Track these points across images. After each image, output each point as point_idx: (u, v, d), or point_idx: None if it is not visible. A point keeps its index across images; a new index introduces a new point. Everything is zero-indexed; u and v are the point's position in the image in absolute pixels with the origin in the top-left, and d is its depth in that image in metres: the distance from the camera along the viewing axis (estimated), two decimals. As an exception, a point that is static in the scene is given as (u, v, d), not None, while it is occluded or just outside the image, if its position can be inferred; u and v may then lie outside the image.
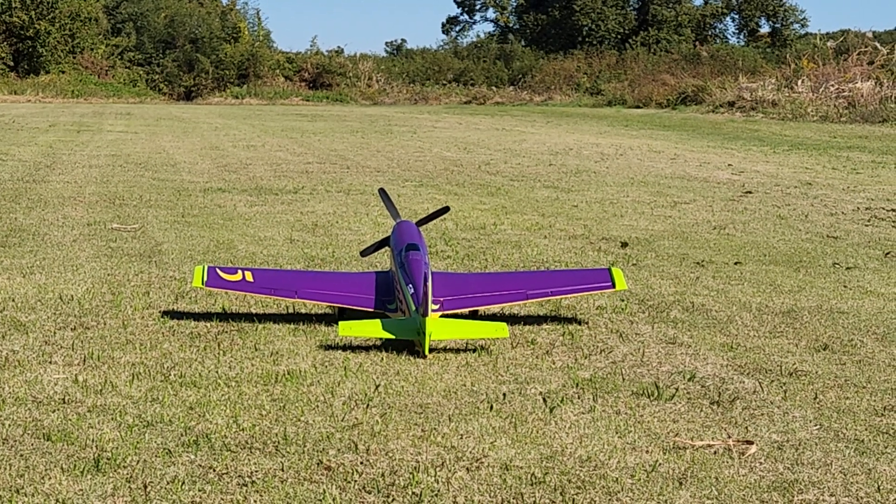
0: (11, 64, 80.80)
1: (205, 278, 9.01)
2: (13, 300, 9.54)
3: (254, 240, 13.16)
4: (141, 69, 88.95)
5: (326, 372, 7.65)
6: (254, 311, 9.36)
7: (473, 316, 9.21)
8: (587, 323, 9.24)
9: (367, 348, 8.26)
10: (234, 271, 9.24)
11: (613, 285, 9.29)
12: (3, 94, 74.99)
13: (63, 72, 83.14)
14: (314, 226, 14.45)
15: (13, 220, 14.26)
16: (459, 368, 7.83)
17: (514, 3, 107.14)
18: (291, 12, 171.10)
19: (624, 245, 13.28)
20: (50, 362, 7.74)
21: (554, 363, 8.03)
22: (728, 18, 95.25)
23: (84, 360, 7.79)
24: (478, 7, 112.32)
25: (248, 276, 9.19)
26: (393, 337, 8.24)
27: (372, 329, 8.30)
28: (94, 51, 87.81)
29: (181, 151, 26.45)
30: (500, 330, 8.25)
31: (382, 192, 11.25)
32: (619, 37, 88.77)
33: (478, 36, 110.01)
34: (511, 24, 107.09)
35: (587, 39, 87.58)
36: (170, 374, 7.49)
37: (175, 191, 18.04)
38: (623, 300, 10.08)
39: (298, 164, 23.65)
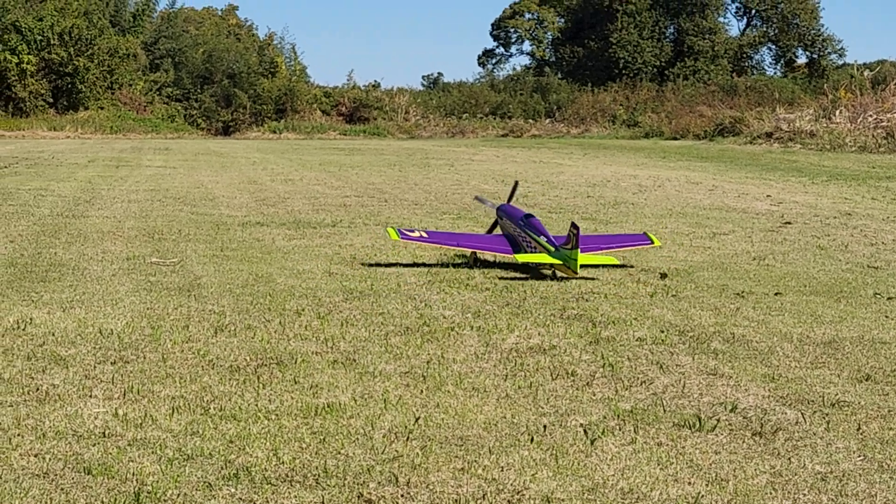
0: (51, 100, 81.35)
1: (397, 236, 14.06)
2: (53, 334, 9.57)
3: (292, 273, 13.17)
4: (179, 104, 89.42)
5: (366, 404, 7.64)
6: (292, 344, 9.36)
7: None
8: (627, 354, 9.19)
9: (406, 384, 8.24)
10: (413, 230, 14.82)
11: (652, 242, 14.75)
12: (43, 130, 75.53)
13: (102, 108, 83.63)
14: (352, 259, 14.46)
15: (53, 254, 14.32)
16: (499, 400, 7.80)
17: (551, 37, 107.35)
18: (328, 47, 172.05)
19: (663, 276, 13.22)
20: (90, 396, 7.75)
21: (594, 395, 7.99)
22: (765, 49, 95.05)
23: (124, 394, 7.80)
24: (514, 40, 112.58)
25: (423, 234, 14.63)
26: (556, 262, 13.07)
27: (541, 258, 13.26)
28: (133, 87, 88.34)
29: (220, 186, 26.55)
30: (612, 259, 13.81)
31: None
32: (655, 69, 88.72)
33: (514, 69, 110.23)
34: (547, 57, 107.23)
35: (624, 72, 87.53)
36: (209, 408, 7.49)
37: (214, 225, 18.09)
38: (663, 331, 10.04)
39: (336, 197, 23.69)
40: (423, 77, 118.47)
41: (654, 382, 8.34)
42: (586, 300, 11.67)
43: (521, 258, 13.48)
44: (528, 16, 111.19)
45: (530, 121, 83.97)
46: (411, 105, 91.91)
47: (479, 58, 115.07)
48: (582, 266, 12.90)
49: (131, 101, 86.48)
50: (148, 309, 10.78)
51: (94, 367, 8.54)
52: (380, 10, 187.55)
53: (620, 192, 25.81)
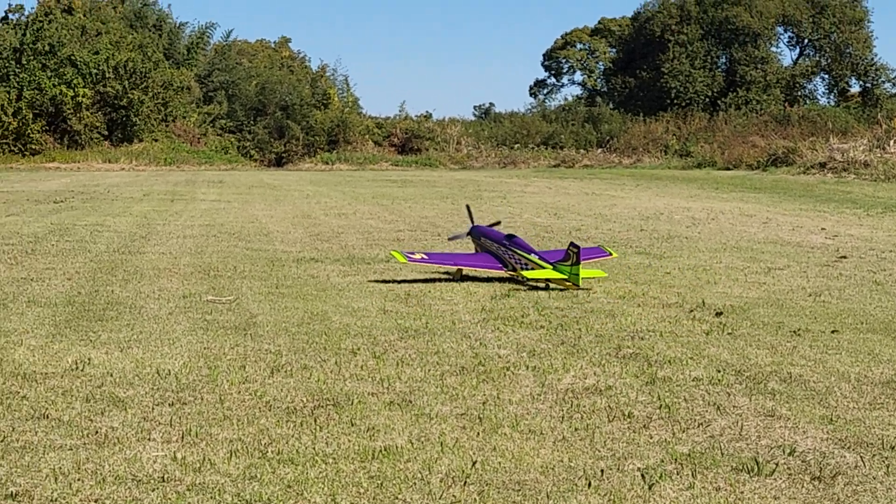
0: (106, 133, 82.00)
1: (404, 259, 15.95)
2: (111, 375, 9.63)
3: (347, 311, 13.20)
4: (232, 136, 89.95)
5: (423, 447, 7.64)
6: (348, 384, 9.38)
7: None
8: (684, 395, 9.16)
9: (463, 426, 8.24)
10: (414, 253, 16.98)
11: (610, 254, 17.24)
12: (98, 163, 76.11)
13: (156, 140, 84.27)
14: (407, 296, 14.48)
15: (110, 292, 14.42)
16: (556, 443, 7.79)
17: (602, 66, 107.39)
18: (380, 78, 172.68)
19: (719, 314, 13.17)
20: (149, 439, 7.80)
21: (651, 437, 7.97)
22: (817, 78, 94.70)
23: (182, 437, 7.84)
24: (565, 70, 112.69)
25: (424, 256, 16.53)
26: (560, 276, 15.02)
27: (546, 274, 15.26)
28: (187, 119, 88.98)
29: (273, 220, 26.68)
30: (602, 273, 15.90)
31: (468, 206, 19.39)
32: (707, 98, 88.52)
33: (565, 99, 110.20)
34: (599, 87, 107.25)
35: (675, 101, 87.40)
36: (267, 451, 7.52)
37: (268, 261, 18.17)
38: (719, 371, 10.00)
39: (390, 232, 23.76)
40: (474, 107, 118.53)
41: (712, 424, 8.31)
42: (641, 338, 11.63)
43: (529, 274, 15.47)
44: (579, 46, 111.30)
45: (582, 151, 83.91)
46: (463, 135, 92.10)
47: (531, 88, 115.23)
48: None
49: (185, 133, 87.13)
50: (205, 348, 10.84)
51: (153, 408, 8.59)
52: (432, 40, 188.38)
53: (674, 226, 25.75)
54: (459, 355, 10.69)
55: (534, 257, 15.62)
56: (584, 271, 15.20)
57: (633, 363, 10.36)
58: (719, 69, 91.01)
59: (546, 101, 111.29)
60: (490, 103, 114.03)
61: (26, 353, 10.46)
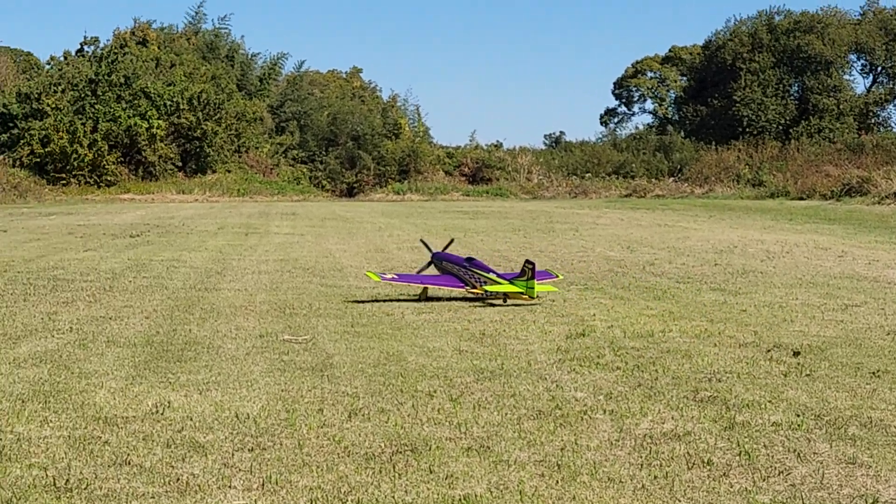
0: (180, 164, 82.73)
1: (378, 278, 18.40)
2: (191, 419, 9.70)
3: (423, 351, 13.22)
4: (304, 167, 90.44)
5: (502, 496, 7.65)
6: (426, 429, 9.39)
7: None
8: (763, 441, 9.10)
9: (541, 473, 8.23)
10: (386, 273, 19.71)
11: (556, 276, 19.52)
12: (172, 194, 76.81)
13: (229, 171, 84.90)
14: (482, 335, 14.48)
15: (188, 331, 14.53)
16: (636, 492, 7.76)
17: (673, 95, 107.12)
18: (451, 107, 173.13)
19: (796, 354, 13.07)
20: (230, 486, 7.85)
21: (731, 486, 7.92)
22: (891, 106, 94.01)
23: (262, 485, 7.88)
24: (636, 99, 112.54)
25: (395, 276, 18.96)
26: (516, 290, 17.38)
27: (504, 288, 17.58)
28: (259, 150, 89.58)
29: (347, 255, 26.79)
30: (553, 288, 18.52)
31: (423, 240, 21.78)
32: (779, 127, 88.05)
33: (636, 128, 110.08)
34: (670, 116, 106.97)
35: (747, 130, 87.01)
36: (347, 500, 7.55)
37: (343, 298, 18.24)
38: (798, 415, 9.93)
39: (462, 266, 23.76)
40: (544, 136, 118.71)
41: (792, 472, 8.25)
42: (719, 380, 11.56)
43: (490, 288, 17.84)
44: (650, 74, 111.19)
45: (653, 180, 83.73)
46: (533, 165, 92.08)
47: (601, 116, 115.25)
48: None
49: (258, 163, 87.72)
50: (282, 391, 10.89)
51: (233, 454, 8.64)
52: (502, 70, 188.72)
53: (748, 259, 25.61)
54: (536, 398, 10.68)
55: (492, 276, 18.01)
56: (539, 286, 17.71)
57: (711, 407, 10.30)
58: (791, 97, 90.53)
59: (617, 129, 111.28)
60: (560, 132, 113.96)
61: (107, 397, 10.56)
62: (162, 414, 9.90)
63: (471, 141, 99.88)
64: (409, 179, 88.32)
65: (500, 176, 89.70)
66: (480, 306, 17.29)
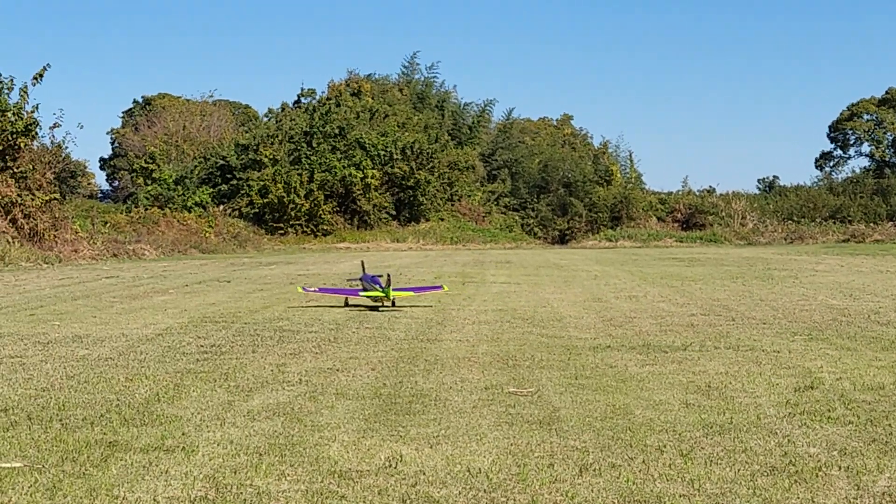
0: (394, 213, 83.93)
1: (302, 290, 29.13)
2: (424, 473, 9.80)
3: (649, 404, 13.14)
4: (516, 214, 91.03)
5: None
6: (658, 485, 9.33)
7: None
8: None
9: None
10: (312, 287, 30.46)
11: (442, 288, 29.74)
12: (386, 242, 77.94)
13: (442, 219, 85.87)
14: (708, 387, 14.34)
15: (414, 384, 14.69)
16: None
17: (891, 137, 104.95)
18: (662, 152, 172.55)
19: None
20: (468, 542, 7.91)
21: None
22: None
23: (500, 541, 7.93)
24: (852, 142, 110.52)
25: (317, 290, 29.39)
26: (380, 294, 25.72)
27: (374, 294, 25.90)
28: (471, 197, 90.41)
29: (564, 304, 26.82)
30: (415, 299, 28.21)
31: (363, 262, 32.75)
32: None
33: (853, 171, 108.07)
34: (887, 158, 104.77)
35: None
36: (585, 558, 7.55)
37: (564, 349, 18.25)
38: None
39: (682, 316, 23.60)
40: (757, 180, 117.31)
41: None
42: None
43: (366, 294, 26.50)
44: (866, 117, 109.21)
45: (872, 225, 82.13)
46: (747, 210, 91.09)
47: (817, 160, 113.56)
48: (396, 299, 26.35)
49: (470, 211, 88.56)
50: (511, 445, 10.94)
51: (468, 510, 8.71)
52: (715, 114, 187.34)
53: (977, 307, 24.91)
54: (768, 453, 10.54)
55: (377, 286, 26.21)
56: (401, 294, 27.26)
57: (952, 465, 10.04)
58: None
59: (832, 173, 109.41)
60: (774, 176, 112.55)
61: (340, 450, 10.73)
62: (395, 468, 10.01)
63: (683, 186, 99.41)
64: (621, 226, 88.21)
65: (714, 221, 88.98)
66: (705, 359, 17.10)
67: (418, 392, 14.06)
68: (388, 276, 26.24)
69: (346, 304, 26.90)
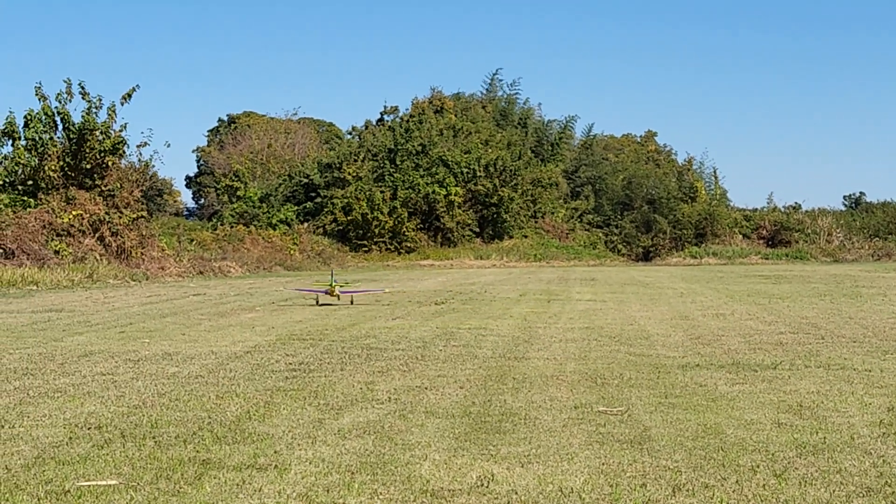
0: (477, 230, 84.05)
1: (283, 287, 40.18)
2: (516, 493, 9.80)
3: (741, 423, 13.05)
4: (600, 231, 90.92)
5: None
6: (754, 508, 9.27)
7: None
8: None
9: None
10: (297, 288, 42.76)
11: (383, 290, 41.18)
12: (470, 259, 78.03)
13: (525, 236, 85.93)
14: (799, 407, 14.22)
15: (503, 402, 14.68)
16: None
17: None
18: (747, 168, 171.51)
19: None
20: (563, 563, 7.89)
21: None
22: None
23: (595, 562, 7.91)
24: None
25: (297, 288, 42.82)
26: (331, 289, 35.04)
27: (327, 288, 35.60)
28: (555, 215, 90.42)
29: (651, 322, 26.71)
30: (359, 296, 37.18)
31: (333, 269, 42.15)
32: None
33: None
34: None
35: None
36: (681, 580, 7.51)
37: (653, 367, 18.16)
38: None
39: (771, 334, 23.42)
40: (843, 197, 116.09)
41: None
42: None
43: (323, 297, 34.11)
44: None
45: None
46: (834, 227, 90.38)
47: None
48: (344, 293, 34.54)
49: (553, 228, 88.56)
50: (603, 464, 10.91)
51: (562, 530, 8.70)
52: (800, 129, 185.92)
53: None
54: (863, 474, 10.44)
55: (335, 284, 34.41)
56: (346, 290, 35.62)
57: None
58: None
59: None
60: (861, 192, 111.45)
61: (432, 469, 10.75)
62: (487, 487, 10.02)
63: (768, 203, 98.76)
64: (705, 243, 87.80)
65: (800, 238, 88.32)
66: (796, 378, 16.95)
67: (508, 411, 14.05)
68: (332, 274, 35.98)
69: (317, 303, 33.84)
